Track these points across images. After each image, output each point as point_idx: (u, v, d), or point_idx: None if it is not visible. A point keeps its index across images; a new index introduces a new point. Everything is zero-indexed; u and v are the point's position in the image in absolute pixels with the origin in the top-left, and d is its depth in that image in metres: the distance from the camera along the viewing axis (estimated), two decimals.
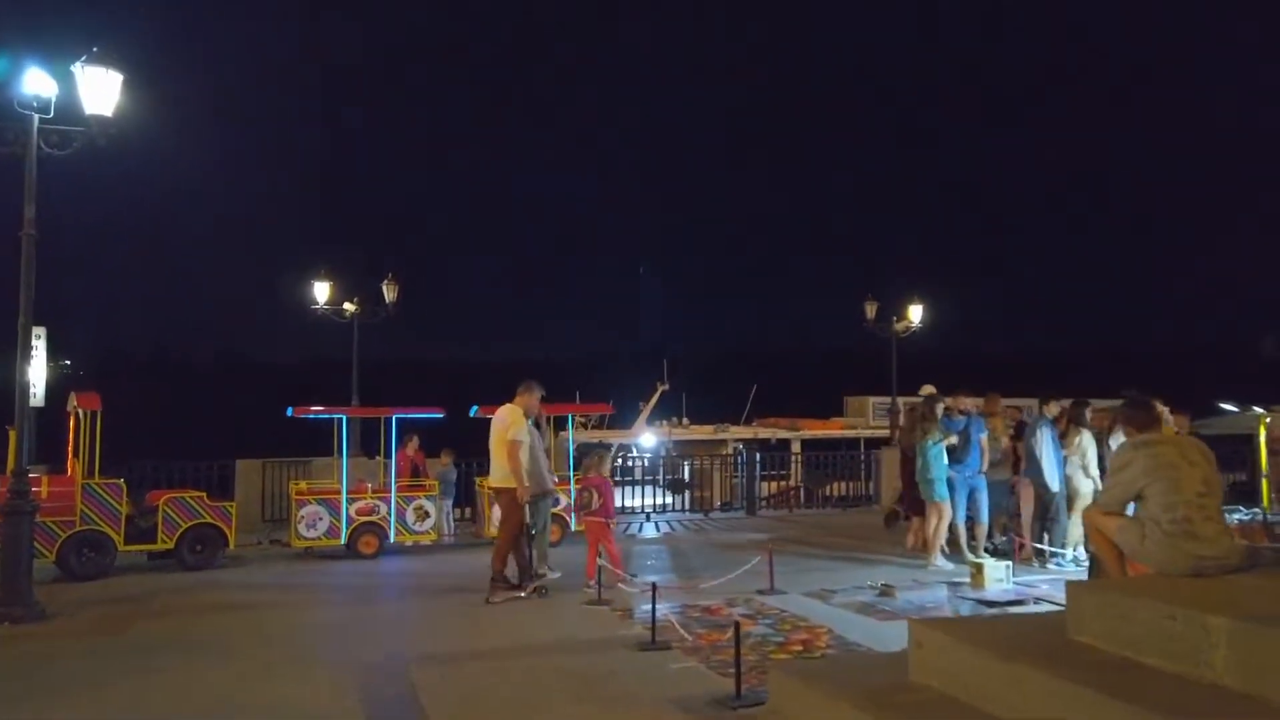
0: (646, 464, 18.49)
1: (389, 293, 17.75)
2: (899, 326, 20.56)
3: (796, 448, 21.65)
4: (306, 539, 10.61)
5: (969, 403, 10.14)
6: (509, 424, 8.42)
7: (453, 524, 12.54)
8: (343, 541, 10.67)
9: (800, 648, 6.52)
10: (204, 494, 10.33)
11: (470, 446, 14.38)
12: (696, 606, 7.83)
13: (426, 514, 11.07)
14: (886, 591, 8.30)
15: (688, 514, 15.98)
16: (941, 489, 9.67)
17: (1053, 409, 9.79)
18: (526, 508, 8.47)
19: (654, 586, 6.61)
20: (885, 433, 21.93)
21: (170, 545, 9.88)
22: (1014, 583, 8.60)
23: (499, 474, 8.53)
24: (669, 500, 16.65)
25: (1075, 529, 9.79)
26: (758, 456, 17.28)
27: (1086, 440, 9.77)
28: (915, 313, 20.68)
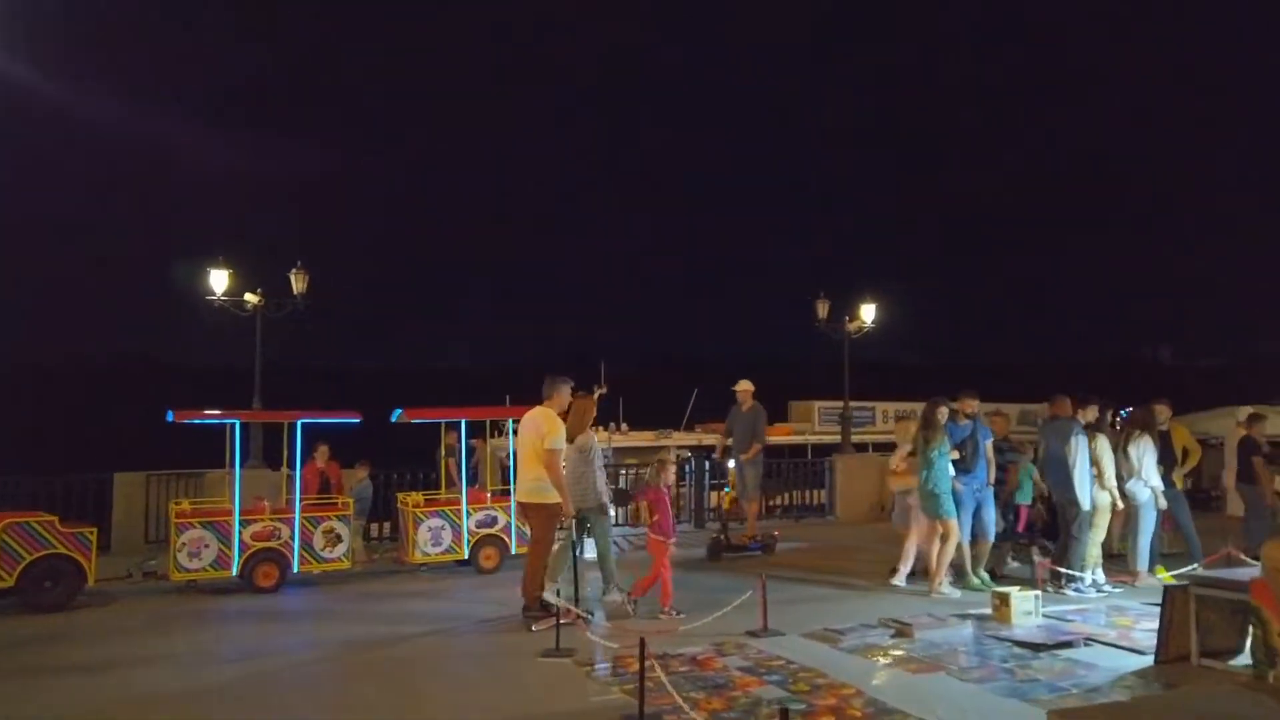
0: None
1: (297, 283, 15.72)
2: (851, 326, 19.42)
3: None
4: (188, 571, 8.72)
5: (974, 406, 8.87)
6: (545, 432, 7.40)
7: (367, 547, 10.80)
8: (234, 573, 8.82)
9: (832, 718, 5.07)
10: (55, 518, 8.34)
11: (390, 457, 12.65)
12: (680, 656, 6.31)
13: (339, 538, 9.28)
14: (902, 631, 6.92)
15: (629, 528, 14.45)
16: (948, 504, 8.37)
17: (1090, 414, 8.56)
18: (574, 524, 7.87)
19: (641, 642, 5.06)
20: (834, 438, 20.79)
21: (10, 583, 7.91)
22: (1043, 615, 7.35)
23: (529, 487, 7.54)
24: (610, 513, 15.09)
25: (1094, 549, 8.63)
26: (706, 465, 15.83)
27: (1103, 447, 8.62)
28: (868, 312, 19.57)
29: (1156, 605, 7.73)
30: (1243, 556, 8.46)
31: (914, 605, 7.91)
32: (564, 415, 7.80)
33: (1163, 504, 8.80)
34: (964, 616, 7.42)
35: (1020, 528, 9.30)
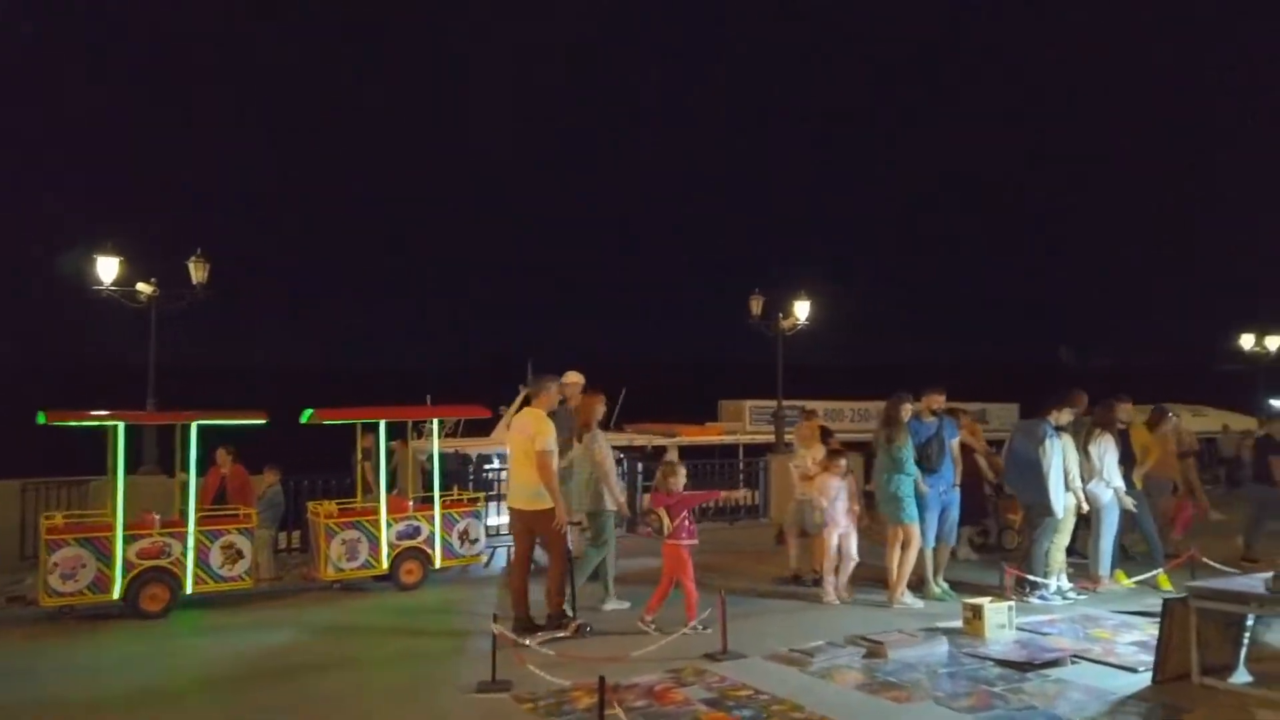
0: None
1: (196, 273, 14.50)
2: (785, 324, 19.03)
3: (674, 455, 19.69)
4: (61, 595, 7.60)
5: (941, 401, 8.35)
6: (534, 434, 7.03)
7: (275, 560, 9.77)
8: (116, 596, 7.74)
9: None
10: None
11: (302, 461, 11.58)
12: (634, 687, 5.57)
13: (239, 554, 8.26)
14: (874, 650, 6.32)
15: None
16: (910, 509, 7.83)
17: (1064, 416, 8.10)
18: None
19: (601, 681, 4.31)
20: (767, 438, 20.36)
21: None
22: (1017, 628, 6.85)
23: (523, 493, 7.11)
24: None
25: (1059, 554, 8.20)
26: (639, 466, 15.12)
27: (1069, 449, 8.20)
28: (801, 309, 19.20)
29: (1127, 614, 7.40)
30: (1205, 560, 8.15)
31: (876, 618, 7.34)
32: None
33: (1128, 504, 8.44)
34: (934, 631, 6.85)
35: None
